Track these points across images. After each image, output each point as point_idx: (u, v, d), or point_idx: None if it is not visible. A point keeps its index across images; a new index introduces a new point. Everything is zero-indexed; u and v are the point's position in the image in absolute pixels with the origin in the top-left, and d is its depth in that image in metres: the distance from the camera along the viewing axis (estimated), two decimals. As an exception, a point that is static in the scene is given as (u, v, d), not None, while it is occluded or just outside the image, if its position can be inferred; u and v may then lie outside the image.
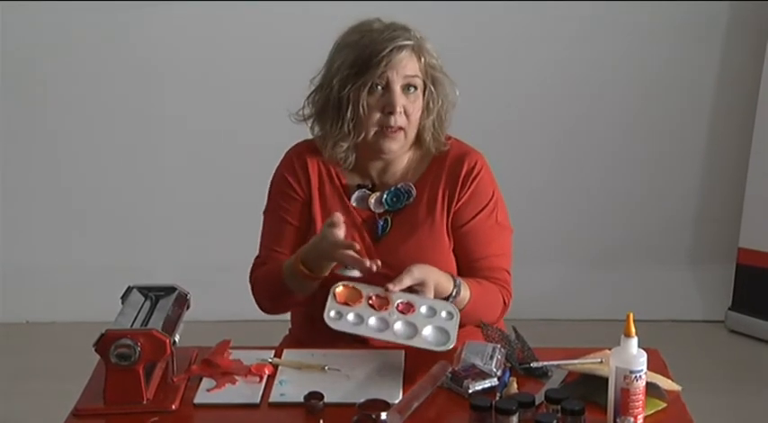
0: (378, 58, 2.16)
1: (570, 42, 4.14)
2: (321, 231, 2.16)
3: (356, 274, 2.14)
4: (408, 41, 2.19)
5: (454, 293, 2.19)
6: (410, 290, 2.13)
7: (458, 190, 2.28)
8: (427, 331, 2.08)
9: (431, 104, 2.25)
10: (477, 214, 2.29)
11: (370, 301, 2.13)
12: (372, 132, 2.22)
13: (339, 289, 2.14)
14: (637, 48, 4.14)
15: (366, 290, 2.15)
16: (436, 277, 2.16)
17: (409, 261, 2.18)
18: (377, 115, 2.21)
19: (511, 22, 4.09)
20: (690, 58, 4.16)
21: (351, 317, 2.10)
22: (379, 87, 2.20)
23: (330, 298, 2.13)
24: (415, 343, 2.06)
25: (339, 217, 2.13)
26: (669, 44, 4.14)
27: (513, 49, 4.13)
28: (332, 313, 2.11)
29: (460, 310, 2.20)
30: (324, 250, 2.13)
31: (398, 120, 2.20)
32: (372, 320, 2.10)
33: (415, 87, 2.22)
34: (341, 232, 2.12)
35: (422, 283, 2.13)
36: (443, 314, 2.12)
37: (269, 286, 2.30)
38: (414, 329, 2.08)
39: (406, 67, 2.19)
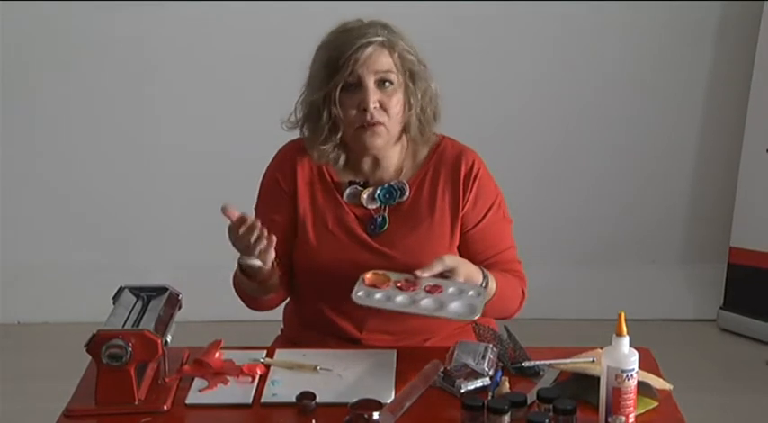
0: (345, 57, 2.17)
1: (562, 42, 4.14)
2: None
3: (256, 262, 2.11)
4: (376, 38, 2.19)
5: (483, 285, 2.20)
6: (441, 276, 2.15)
7: (461, 192, 2.28)
8: (453, 305, 2.08)
9: (411, 99, 2.25)
10: (486, 214, 2.31)
11: (399, 285, 2.14)
12: (353, 130, 2.22)
13: (368, 275, 2.15)
14: (628, 47, 4.15)
15: (395, 276, 2.16)
16: (467, 269, 2.18)
17: (408, 257, 2.20)
18: (353, 113, 2.20)
19: (503, 21, 4.08)
20: (681, 58, 4.17)
21: (378, 296, 2.11)
22: (353, 85, 2.20)
23: (359, 282, 2.14)
24: (440, 314, 2.06)
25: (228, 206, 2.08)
26: (661, 44, 4.14)
27: (504, 49, 4.13)
28: (360, 293, 2.11)
29: (488, 302, 2.21)
30: (232, 242, 2.10)
31: (375, 115, 2.19)
32: (399, 298, 2.11)
33: (391, 82, 2.21)
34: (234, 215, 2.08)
35: (452, 270, 2.14)
36: (471, 293, 2.12)
37: (237, 285, 2.31)
38: (440, 304, 2.09)
39: (376, 62, 2.19)
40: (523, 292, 2.35)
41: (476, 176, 2.30)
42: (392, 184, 2.29)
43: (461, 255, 2.29)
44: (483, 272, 2.21)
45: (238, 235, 2.06)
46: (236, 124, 4.11)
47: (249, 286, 2.23)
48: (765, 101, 3.94)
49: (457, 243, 2.30)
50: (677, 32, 4.13)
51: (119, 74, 4.14)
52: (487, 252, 2.31)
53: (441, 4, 3.99)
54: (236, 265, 2.19)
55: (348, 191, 2.30)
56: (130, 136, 4.22)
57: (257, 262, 2.11)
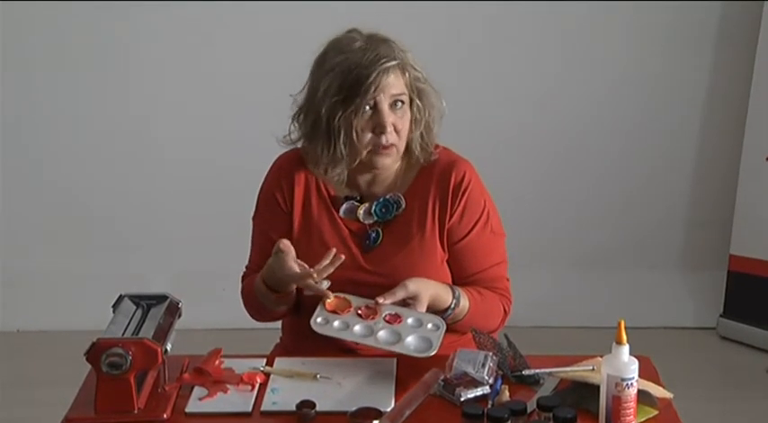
0: (366, 84, 2.14)
1: (562, 44, 4.15)
2: (272, 258, 2.16)
3: (324, 284, 2.15)
4: (393, 62, 2.17)
5: (453, 305, 2.20)
6: (403, 303, 2.14)
7: (449, 203, 2.27)
8: (410, 339, 2.08)
9: (418, 116, 2.24)
10: (472, 229, 2.28)
11: (359, 311, 2.14)
12: (365, 152, 2.21)
13: (330, 299, 2.16)
14: (628, 48, 4.15)
15: (356, 301, 2.16)
16: (433, 291, 2.17)
17: (401, 272, 2.19)
18: (368, 136, 2.19)
19: (500, 25, 4.09)
20: (681, 59, 4.17)
21: (337, 323, 2.12)
22: (368, 108, 2.18)
23: (320, 306, 2.15)
24: (396, 349, 2.06)
25: (286, 244, 2.13)
26: (661, 45, 4.14)
27: (502, 50, 4.14)
28: (319, 319, 2.13)
29: (460, 320, 2.21)
30: (281, 279, 2.16)
31: (390, 138, 2.19)
32: (357, 327, 2.11)
33: (402, 102, 2.20)
34: (290, 257, 2.12)
35: (414, 296, 2.14)
36: (429, 326, 2.12)
37: (250, 301, 2.32)
38: (397, 337, 2.09)
39: (393, 86, 2.17)
40: (506, 310, 2.33)
41: (465, 189, 2.27)
42: (388, 197, 2.28)
43: (450, 269, 2.29)
44: (454, 291, 2.21)
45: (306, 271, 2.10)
46: (236, 131, 4.12)
47: (271, 300, 2.22)
48: (765, 108, 3.95)
49: (447, 257, 2.29)
50: (678, 33, 4.13)
51: (118, 81, 4.14)
52: (473, 267, 2.29)
53: (441, 4, 3.99)
54: (242, 276, 2.20)
55: (345, 206, 2.29)
56: (131, 144, 4.22)
57: (326, 284, 2.13)
